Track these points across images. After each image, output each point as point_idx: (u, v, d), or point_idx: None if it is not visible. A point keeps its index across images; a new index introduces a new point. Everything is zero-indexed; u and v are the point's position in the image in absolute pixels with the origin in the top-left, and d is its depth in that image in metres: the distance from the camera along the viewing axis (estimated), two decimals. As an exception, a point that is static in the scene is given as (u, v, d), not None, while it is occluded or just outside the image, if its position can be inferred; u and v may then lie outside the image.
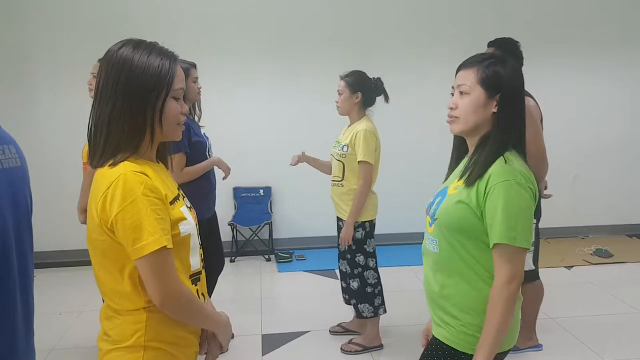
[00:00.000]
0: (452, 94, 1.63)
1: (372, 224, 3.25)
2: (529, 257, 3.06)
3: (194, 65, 3.03)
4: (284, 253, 5.16)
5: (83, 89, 3.17)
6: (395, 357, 3.30)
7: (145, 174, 1.29)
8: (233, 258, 5.13)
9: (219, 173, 3.21)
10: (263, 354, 3.33)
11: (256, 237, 5.22)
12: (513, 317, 1.52)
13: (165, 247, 1.25)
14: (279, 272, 4.87)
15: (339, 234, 3.30)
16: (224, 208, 5.04)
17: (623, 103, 5.61)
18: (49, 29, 4.84)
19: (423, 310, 1.74)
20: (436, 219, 1.61)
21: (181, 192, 1.48)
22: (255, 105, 5.20)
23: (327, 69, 3.96)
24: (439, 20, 5.27)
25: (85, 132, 1.41)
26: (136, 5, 4.91)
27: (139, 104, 1.30)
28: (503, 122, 1.55)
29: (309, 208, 5.27)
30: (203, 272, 1.50)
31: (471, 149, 1.63)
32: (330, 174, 3.34)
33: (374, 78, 3.24)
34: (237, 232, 5.21)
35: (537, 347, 3.30)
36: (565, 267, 4.80)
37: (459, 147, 1.72)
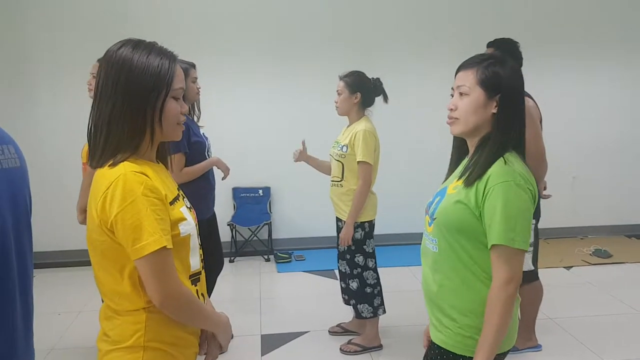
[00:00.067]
0: (452, 95, 1.63)
1: (371, 224, 3.25)
2: (528, 257, 3.07)
3: (193, 66, 3.03)
4: (283, 253, 5.16)
5: (83, 89, 3.17)
6: (394, 358, 3.30)
7: (145, 174, 1.29)
8: (232, 258, 5.13)
9: (218, 173, 3.21)
10: (262, 355, 3.33)
11: (255, 238, 5.22)
12: (512, 318, 1.52)
13: (165, 247, 1.25)
14: (278, 272, 4.87)
15: (338, 235, 3.30)
16: (223, 208, 5.03)
17: (622, 104, 5.62)
18: (48, 29, 4.84)
19: (422, 311, 1.74)
20: (435, 218, 1.61)
21: (181, 192, 1.48)
22: (254, 106, 5.20)
23: (326, 69, 3.97)
24: (439, 20, 5.28)
25: (84, 132, 1.41)
26: (136, 5, 4.91)
27: (138, 104, 1.30)
28: (503, 123, 1.55)
29: (308, 208, 5.27)
30: (203, 272, 1.50)
31: (471, 150, 1.63)
32: (329, 175, 3.35)
33: (373, 78, 3.24)
34: (237, 233, 5.21)
35: (537, 347, 3.30)
36: (564, 267, 4.80)
37: (460, 147, 1.71)
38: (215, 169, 3.18)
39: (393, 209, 4.61)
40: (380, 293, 3.32)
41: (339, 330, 3.57)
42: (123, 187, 1.24)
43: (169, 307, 1.30)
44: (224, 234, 4.51)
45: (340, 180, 3.21)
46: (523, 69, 2.05)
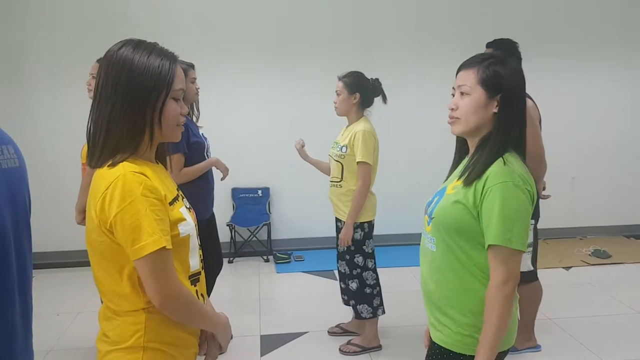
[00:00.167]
0: (453, 95, 1.63)
1: (370, 224, 3.25)
2: (527, 257, 3.07)
3: (192, 66, 3.03)
4: (282, 254, 5.16)
5: (82, 89, 3.17)
6: (394, 358, 3.30)
7: (144, 174, 1.28)
8: (231, 259, 5.12)
9: (217, 174, 3.21)
10: (262, 355, 3.33)
11: (254, 238, 5.21)
12: (511, 317, 1.52)
13: (164, 247, 1.25)
14: (277, 273, 4.86)
15: (337, 235, 3.30)
16: (223, 209, 5.03)
17: (622, 104, 5.62)
18: (48, 29, 4.83)
19: (422, 311, 1.74)
20: (433, 218, 1.61)
21: (180, 192, 1.48)
22: (254, 106, 5.20)
23: (326, 70, 3.97)
24: (439, 20, 5.27)
25: (84, 132, 1.41)
26: (136, 5, 4.91)
27: (138, 105, 1.30)
28: (503, 123, 1.55)
29: (307, 209, 5.27)
30: (202, 272, 1.50)
31: (472, 150, 1.63)
32: (328, 175, 3.35)
33: (372, 79, 3.24)
34: (236, 233, 5.21)
35: (536, 347, 3.30)
36: (563, 267, 4.80)
37: (462, 147, 1.72)
38: (214, 169, 3.18)
39: (392, 209, 4.61)
40: (379, 293, 3.32)
41: (339, 330, 3.57)
42: (122, 188, 1.24)
43: (169, 307, 1.30)
44: (223, 235, 4.50)
45: (340, 181, 3.21)
46: (522, 69, 2.05)
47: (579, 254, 5.14)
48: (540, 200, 3.21)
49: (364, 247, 3.23)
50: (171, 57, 1.36)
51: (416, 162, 5.27)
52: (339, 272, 3.47)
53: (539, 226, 3.17)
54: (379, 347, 3.35)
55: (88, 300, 4.06)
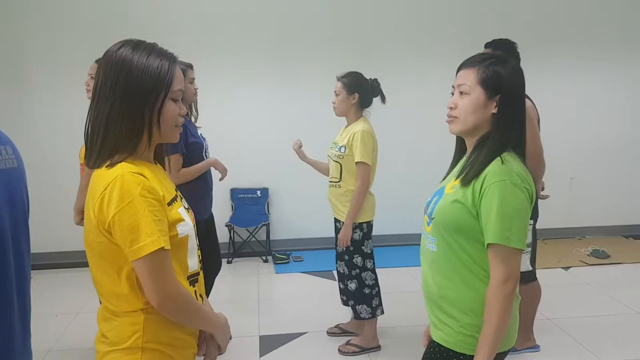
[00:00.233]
0: (452, 94, 1.63)
1: (369, 225, 3.25)
2: (526, 258, 3.07)
3: (190, 67, 3.03)
4: (281, 254, 5.15)
5: (81, 89, 3.17)
6: (392, 358, 3.29)
7: (142, 175, 1.28)
8: (230, 259, 5.12)
9: (215, 174, 3.21)
10: (261, 355, 3.33)
11: (253, 239, 5.21)
12: (511, 317, 1.52)
13: (163, 248, 1.25)
14: (276, 273, 4.86)
15: (336, 235, 3.30)
16: (221, 209, 5.03)
17: (620, 104, 5.62)
18: (47, 29, 4.83)
19: (421, 311, 1.74)
20: (433, 218, 1.61)
21: (179, 193, 1.48)
22: (253, 106, 5.20)
23: (326, 70, 3.96)
24: (439, 21, 5.27)
25: (83, 133, 1.40)
26: (136, 6, 4.90)
27: (137, 105, 1.29)
28: (503, 123, 1.55)
29: (306, 209, 5.27)
30: (201, 273, 1.49)
31: (469, 149, 1.63)
32: (327, 175, 3.34)
33: (370, 79, 3.24)
34: (235, 233, 5.20)
35: (535, 348, 3.30)
36: (562, 268, 4.81)
37: (461, 147, 1.72)
38: (213, 169, 3.18)
39: (391, 209, 4.61)
40: (378, 294, 3.32)
41: (338, 331, 3.57)
42: (120, 188, 1.24)
43: (167, 308, 1.30)
44: (222, 235, 4.50)
45: (339, 181, 3.21)
46: (523, 69, 2.05)
47: (577, 254, 5.14)
48: (539, 200, 3.21)
49: (362, 247, 3.23)
50: (170, 58, 1.35)
51: (415, 162, 5.27)
52: (338, 272, 3.47)
53: (537, 226, 3.17)
54: (378, 348, 3.35)
55: (86, 301, 4.06)
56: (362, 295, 3.27)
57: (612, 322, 3.69)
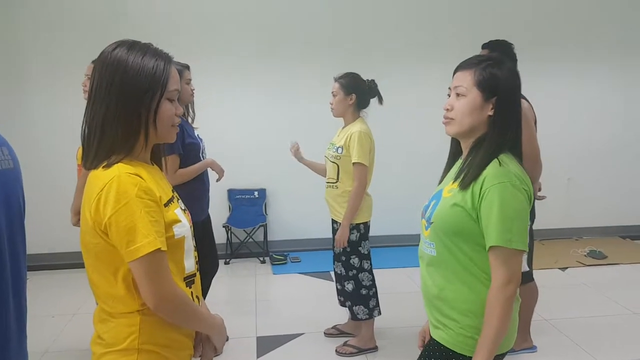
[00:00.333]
0: (449, 95, 1.63)
1: (366, 226, 3.25)
2: (523, 258, 3.07)
3: (187, 67, 3.03)
4: (278, 255, 5.15)
5: (78, 90, 3.17)
6: (390, 359, 3.29)
7: (139, 175, 1.28)
8: (227, 260, 5.12)
9: (212, 175, 3.20)
10: (258, 356, 3.32)
11: (251, 239, 5.21)
12: (511, 319, 1.52)
13: (159, 249, 1.24)
14: (273, 274, 4.86)
15: (333, 236, 3.29)
16: (219, 210, 5.03)
17: (617, 106, 5.64)
18: (46, 28, 4.81)
19: (418, 312, 1.75)
20: (432, 222, 1.61)
21: (175, 194, 1.47)
22: (250, 107, 5.19)
23: (324, 70, 3.96)
24: (439, 21, 5.27)
25: (80, 133, 1.40)
26: (135, 6, 4.89)
27: (133, 106, 1.29)
28: (499, 125, 1.55)
29: (303, 210, 5.26)
30: (197, 274, 1.49)
31: (465, 151, 1.62)
32: (324, 176, 3.34)
33: (367, 80, 3.24)
34: (232, 234, 5.20)
35: (532, 348, 3.31)
36: (559, 268, 4.81)
37: (456, 149, 1.72)
38: (209, 170, 3.18)
39: (388, 210, 4.61)
40: (375, 295, 3.31)
41: (335, 332, 3.57)
42: (117, 189, 1.23)
43: (164, 309, 1.29)
44: (220, 236, 4.50)
45: (336, 182, 3.21)
46: (519, 70, 2.05)
47: (574, 254, 5.15)
48: (536, 201, 3.21)
49: (359, 248, 3.23)
50: (166, 58, 1.35)
51: (413, 163, 5.27)
52: (335, 273, 3.47)
53: (534, 227, 3.17)
54: (375, 349, 3.35)
55: (83, 302, 4.05)
56: (359, 296, 3.27)
57: (609, 323, 3.70)
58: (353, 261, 3.24)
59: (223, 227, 5.07)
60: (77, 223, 2.95)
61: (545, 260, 4.89)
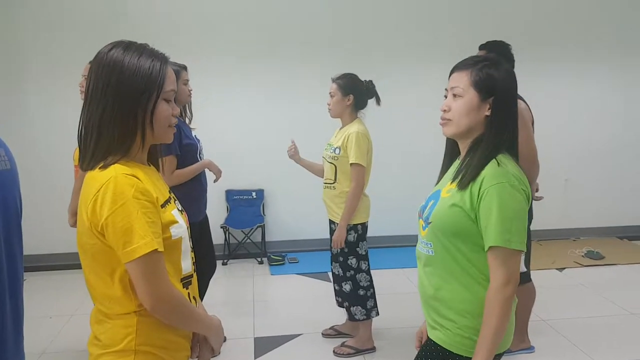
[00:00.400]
0: (446, 96, 1.63)
1: (364, 226, 3.25)
2: (520, 259, 3.07)
3: (184, 68, 3.03)
4: (276, 256, 5.15)
5: (76, 90, 3.16)
6: (388, 360, 3.30)
7: (136, 176, 1.28)
8: (225, 261, 5.11)
9: (210, 176, 3.20)
10: (255, 357, 3.32)
11: (249, 240, 5.20)
12: (509, 320, 1.52)
13: (156, 250, 1.24)
14: (271, 274, 4.86)
15: (331, 237, 3.29)
16: (217, 210, 5.03)
17: (614, 107, 5.65)
18: (43, 28, 4.80)
19: (416, 313, 1.75)
20: (430, 222, 1.61)
21: (172, 195, 1.47)
22: (247, 108, 5.19)
23: (323, 71, 3.96)
24: (438, 22, 5.27)
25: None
26: (135, 5, 4.88)
27: (129, 106, 1.29)
28: (496, 125, 1.55)
29: (301, 210, 5.26)
30: (195, 275, 1.49)
31: (463, 152, 1.63)
32: (322, 177, 3.34)
33: (365, 80, 3.25)
34: (230, 235, 5.20)
35: (529, 349, 3.31)
36: (557, 269, 4.82)
37: (452, 149, 1.72)
38: (207, 171, 3.17)
39: (386, 211, 4.61)
40: (373, 295, 3.31)
41: (332, 332, 3.57)
42: (114, 190, 1.23)
43: (160, 310, 1.29)
44: (217, 237, 4.50)
45: (333, 183, 3.21)
46: (517, 70, 2.05)
47: (572, 255, 5.16)
48: (534, 201, 3.22)
49: (357, 249, 3.23)
50: (162, 58, 1.35)
51: (410, 164, 5.27)
52: (333, 274, 3.47)
53: (532, 227, 3.17)
54: (373, 349, 3.35)
55: (80, 303, 4.04)
56: (357, 297, 3.27)
57: (607, 323, 3.71)
58: (351, 262, 3.24)
59: (221, 227, 5.06)
60: (74, 224, 2.94)
61: (543, 261, 4.89)
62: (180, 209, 1.46)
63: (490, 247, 1.48)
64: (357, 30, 5.20)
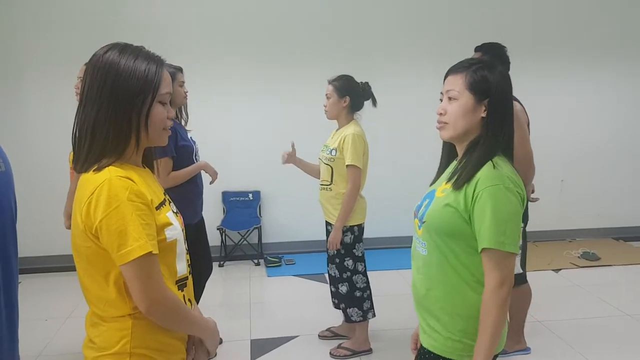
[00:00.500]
0: (441, 100, 1.64)
1: (360, 228, 3.25)
2: (516, 260, 3.07)
3: (180, 69, 3.02)
4: (273, 257, 5.14)
5: (72, 91, 3.15)
6: (384, 362, 3.30)
7: (130, 179, 1.27)
8: (222, 263, 5.11)
9: (206, 178, 3.20)
10: (252, 359, 3.31)
11: (245, 242, 5.20)
12: (505, 321, 1.53)
13: (150, 252, 1.24)
14: (268, 276, 4.85)
15: (327, 239, 3.29)
16: (213, 212, 5.02)
17: (610, 108, 5.66)
18: (39, 29, 4.78)
19: (412, 315, 1.75)
20: (424, 222, 1.61)
21: (167, 197, 1.47)
22: (244, 109, 5.19)
23: (318, 73, 3.95)
24: (439, 21, 5.27)
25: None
26: (130, 7, 4.87)
27: (124, 109, 1.29)
28: (492, 127, 1.56)
29: (298, 212, 5.26)
30: (190, 277, 1.49)
31: (460, 153, 1.63)
32: (319, 178, 3.34)
33: (361, 82, 3.25)
34: (226, 237, 5.19)
35: (525, 350, 3.31)
36: (552, 270, 4.83)
37: (449, 150, 1.72)
38: (203, 173, 3.17)
39: (382, 212, 4.61)
40: (369, 297, 3.32)
41: (329, 334, 3.57)
42: (108, 192, 1.23)
43: (155, 313, 1.29)
44: (214, 238, 4.49)
45: (330, 184, 3.21)
46: (514, 71, 2.06)
47: (568, 256, 5.17)
48: (530, 203, 3.22)
49: (354, 250, 3.23)
50: (158, 61, 1.35)
51: (407, 165, 5.27)
52: (329, 275, 3.46)
53: (528, 229, 3.19)
54: (370, 351, 3.35)
55: (76, 305, 4.03)
56: (353, 298, 3.27)
57: (602, 324, 3.71)
58: (347, 263, 3.24)
59: (217, 229, 5.06)
60: (69, 226, 2.94)
61: (539, 262, 4.90)
62: (175, 211, 1.46)
63: (483, 249, 1.49)
64: (356, 31, 5.19)
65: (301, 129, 4.75)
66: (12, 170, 1.51)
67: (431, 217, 1.59)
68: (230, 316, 3.96)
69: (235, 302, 4.30)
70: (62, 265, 4.75)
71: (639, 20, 5.53)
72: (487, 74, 1.55)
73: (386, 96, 3.70)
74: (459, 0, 5.27)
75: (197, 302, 2.81)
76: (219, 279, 4.69)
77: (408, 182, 4.88)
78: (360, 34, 5.20)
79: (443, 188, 1.61)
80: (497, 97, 1.56)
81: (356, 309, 3.27)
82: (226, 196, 5.26)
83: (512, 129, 1.61)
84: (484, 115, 1.55)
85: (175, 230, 1.37)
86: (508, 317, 1.67)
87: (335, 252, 3.23)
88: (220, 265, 5.05)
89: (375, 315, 3.35)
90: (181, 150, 2.97)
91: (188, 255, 1.47)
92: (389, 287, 4.36)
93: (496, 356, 1.61)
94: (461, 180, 1.53)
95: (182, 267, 1.41)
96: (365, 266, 3.31)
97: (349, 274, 3.25)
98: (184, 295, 1.42)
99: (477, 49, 3.15)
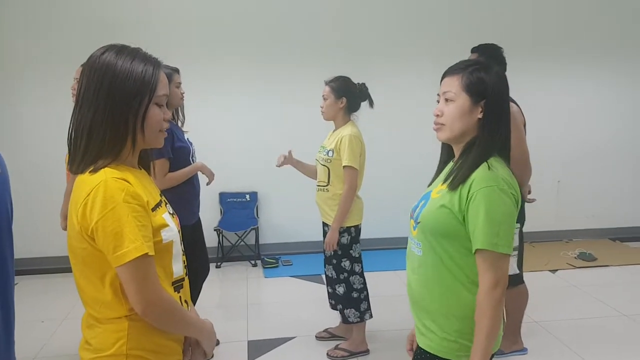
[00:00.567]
0: (438, 101, 1.64)
1: (357, 229, 3.25)
2: (513, 261, 3.08)
3: (177, 71, 3.02)
4: (270, 258, 5.14)
5: (69, 92, 3.15)
6: (381, 362, 3.30)
7: (126, 180, 1.27)
8: (219, 263, 5.10)
9: (203, 179, 3.19)
10: (249, 360, 3.32)
11: (242, 243, 5.19)
12: (501, 322, 1.53)
13: (146, 254, 1.24)
14: (265, 277, 4.85)
15: (324, 239, 3.29)
16: (210, 213, 5.02)
17: (608, 109, 5.67)
18: (36, 30, 4.77)
19: (409, 315, 1.75)
20: (419, 222, 1.62)
21: (163, 198, 1.47)
22: (241, 110, 5.18)
23: (316, 73, 3.95)
24: (439, 22, 5.27)
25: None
26: (127, 8, 4.85)
27: (121, 110, 1.28)
28: (488, 128, 1.56)
29: (295, 213, 5.26)
30: (186, 279, 1.48)
31: (457, 155, 1.64)
32: (314, 178, 3.35)
33: (358, 83, 3.25)
34: (223, 238, 5.18)
35: (522, 350, 3.32)
36: (549, 270, 4.84)
37: (448, 151, 1.73)
38: (200, 174, 3.17)
39: (379, 213, 4.61)
40: (366, 298, 3.32)
41: (326, 335, 3.56)
42: (104, 194, 1.23)
43: (151, 314, 1.29)
44: (211, 239, 4.48)
45: (326, 185, 3.21)
46: (514, 72, 2.06)
47: (564, 257, 5.18)
48: (526, 203, 3.23)
49: (350, 251, 3.24)
50: (154, 63, 1.34)
51: (404, 166, 5.27)
52: (326, 276, 3.47)
53: (525, 229, 3.19)
54: (367, 352, 3.35)
55: (72, 307, 4.02)
56: (350, 299, 3.27)
57: (599, 325, 3.72)
58: (344, 264, 3.24)
59: (214, 230, 5.05)
60: (66, 227, 2.93)
61: (536, 263, 4.91)
62: (171, 212, 1.45)
63: (477, 250, 1.49)
64: (356, 32, 5.18)
65: (301, 130, 4.74)
66: (8, 171, 1.51)
67: (426, 218, 1.59)
68: (227, 317, 3.96)
69: (233, 303, 4.30)
70: (58, 266, 4.73)
71: (639, 20, 5.54)
72: (484, 76, 1.56)
73: (386, 96, 3.71)
74: (459, 0, 5.27)
75: (194, 303, 2.80)
76: (216, 280, 4.68)
77: (407, 182, 4.87)
78: (360, 34, 5.20)
79: (439, 189, 1.61)
80: (494, 99, 1.56)
81: (353, 310, 3.27)
82: (223, 197, 5.26)
83: (508, 130, 1.62)
84: (480, 116, 1.56)
85: (172, 231, 1.37)
86: (505, 317, 1.67)
87: (332, 253, 3.23)
88: (217, 267, 5.04)
89: (372, 316, 3.35)
90: (178, 152, 2.96)
91: (184, 257, 1.47)
92: (386, 288, 4.36)
93: (493, 356, 1.62)
94: (456, 181, 1.54)
95: (178, 268, 1.41)
96: (362, 267, 3.31)
97: (346, 274, 3.25)
98: (180, 297, 1.42)
99: (473, 50, 3.16)
